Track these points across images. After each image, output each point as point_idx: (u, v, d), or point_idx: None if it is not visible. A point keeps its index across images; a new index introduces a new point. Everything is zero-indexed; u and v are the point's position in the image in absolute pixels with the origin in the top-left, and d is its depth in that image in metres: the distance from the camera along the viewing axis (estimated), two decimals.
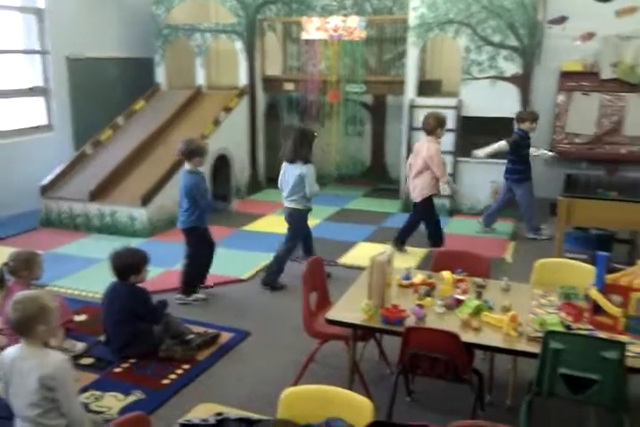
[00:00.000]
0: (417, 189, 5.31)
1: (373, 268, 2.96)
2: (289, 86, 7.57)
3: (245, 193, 7.55)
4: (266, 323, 4.09)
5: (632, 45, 6.91)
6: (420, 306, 2.90)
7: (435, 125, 5.21)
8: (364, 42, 7.12)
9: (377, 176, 8.24)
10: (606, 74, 7.02)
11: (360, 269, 4.24)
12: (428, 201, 5.30)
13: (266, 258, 5.25)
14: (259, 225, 6.39)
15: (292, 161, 4.64)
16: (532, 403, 2.61)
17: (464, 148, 6.62)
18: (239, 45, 7.44)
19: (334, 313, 2.95)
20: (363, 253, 5.31)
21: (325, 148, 7.99)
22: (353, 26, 6.98)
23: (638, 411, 2.64)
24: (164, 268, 4.96)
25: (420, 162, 5.26)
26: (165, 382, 3.34)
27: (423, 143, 5.33)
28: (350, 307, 2.97)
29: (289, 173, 4.67)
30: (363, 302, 2.91)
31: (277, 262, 4.71)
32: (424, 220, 5.40)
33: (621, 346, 2.37)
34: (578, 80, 7.17)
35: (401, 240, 5.48)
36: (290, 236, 4.78)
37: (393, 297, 3.06)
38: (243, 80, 7.50)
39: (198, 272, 4.45)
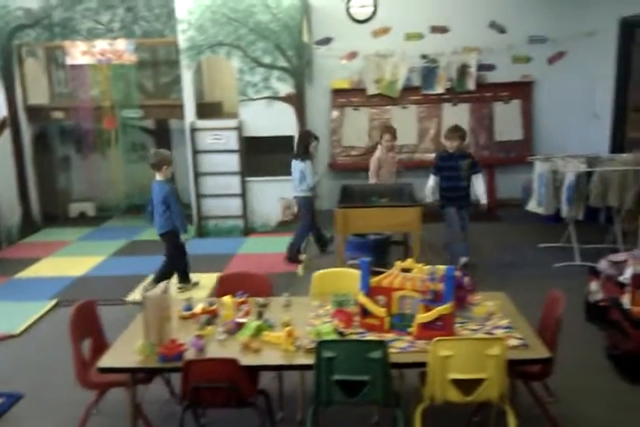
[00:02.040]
0: None
1: (146, 304, 2.81)
2: (58, 115, 7.03)
3: (17, 236, 6.81)
4: (42, 381, 3.67)
5: (389, 63, 7.63)
6: (200, 337, 2.80)
7: (380, 136, 5.83)
8: (136, 65, 6.91)
9: None
10: (371, 90, 7.66)
11: None
12: None
13: (43, 307, 4.76)
14: (35, 270, 5.77)
15: (294, 158, 5.68)
16: (316, 413, 2.65)
17: (250, 167, 6.72)
18: None
19: (108, 360, 2.74)
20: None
21: (109, 178, 7.57)
22: (121, 49, 6.72)
23: (410, 403, 2.82)
24: None
25: None
26: None
27: None
28: (126, 349, 2.77)
29: (294, 168, 5.67)
30: (138, 342, 2.74)
31: (294, 245, 5.77)
32: None
33: (383, 345, 2.51)
34: (347, 97, 7.72)
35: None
36: (301, 220, 5.88)
37: (174, 331, 2.93)
38: (2, 111, 6.77)
39: (184, 265, 5.17)
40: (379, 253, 5.33)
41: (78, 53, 6.73)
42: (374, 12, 7.56)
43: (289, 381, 3.25)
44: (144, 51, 7.24)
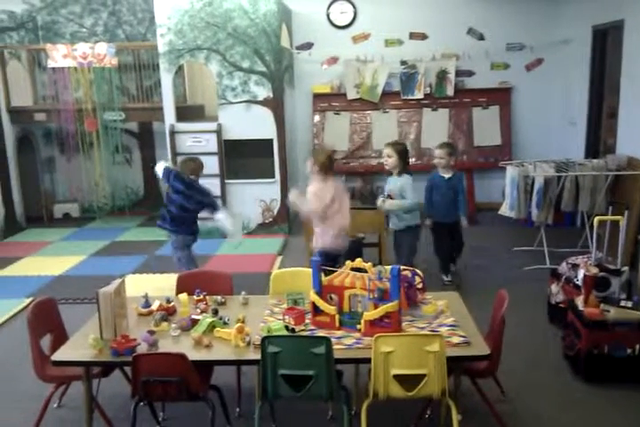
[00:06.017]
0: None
1: (100, 300, 2.89)
2: (40, 117, 7.12)
3: (0, 236, 6.88)
4: (11, 375, 3.75)
5: (369, 68, 7.73)
6: (152, 332, 2.88)
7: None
8: (118, 68, 7.01)
9: (153, 204, 8.07)
10: (351, 94, 7.76)
11: None
12: None
13: (17, 304, 4.84)
14: (14, 269, 5.84)
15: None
16: (272, 408, 2.72)
17: (230, 170, 6.80)
18: None
19: (61, 353, 2.82)
20: (128, 286, 5.13)
21: (93, 179, 7.65)
22: (102, 53, 6.82)
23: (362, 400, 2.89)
24: None
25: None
26: None
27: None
28: (81, 344, 2.85)
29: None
30: (90, 337, 2.81)
31: None
32: None
33: (326, 341, 2.58)
34: (328, 101, 7.81)
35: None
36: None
37: (132, 327, 3.01)
38: None
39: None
40: (352, 254, 5.41)
41: (59, 56, 6.82)
42: (354, 19, 7.67)
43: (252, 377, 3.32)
44: (127, 54, 7.33)
